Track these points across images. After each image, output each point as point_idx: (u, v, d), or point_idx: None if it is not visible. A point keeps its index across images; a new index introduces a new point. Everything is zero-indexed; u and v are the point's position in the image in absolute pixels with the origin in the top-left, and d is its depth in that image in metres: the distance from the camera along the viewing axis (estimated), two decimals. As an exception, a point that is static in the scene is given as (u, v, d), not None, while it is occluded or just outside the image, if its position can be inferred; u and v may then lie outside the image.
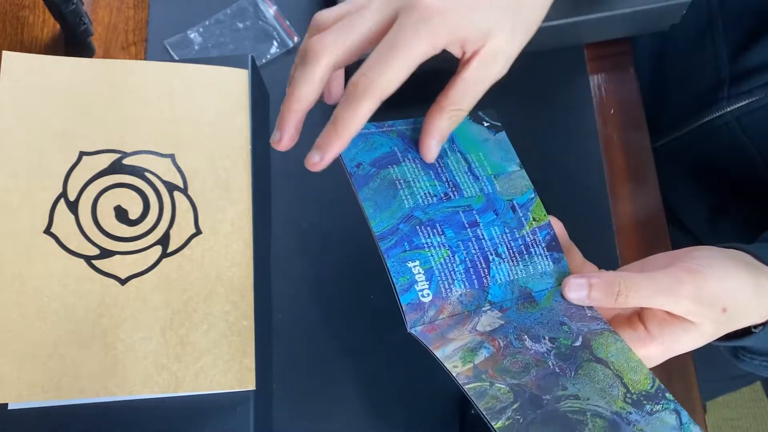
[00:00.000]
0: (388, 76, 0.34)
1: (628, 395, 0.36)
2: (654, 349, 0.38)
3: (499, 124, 0.45)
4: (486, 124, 0.44)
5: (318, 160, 0.36)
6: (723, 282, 0.37)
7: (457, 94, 0.36)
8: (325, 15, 0.37)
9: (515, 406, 0.34)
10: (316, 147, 0.36)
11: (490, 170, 0.43)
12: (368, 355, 0.52)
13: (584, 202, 0.57)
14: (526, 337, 0.37)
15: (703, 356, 0.55)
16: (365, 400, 0.51)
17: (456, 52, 0.36)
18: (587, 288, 0.37)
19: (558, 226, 0.42)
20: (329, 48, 0.35)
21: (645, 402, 0.35)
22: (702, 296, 0.36)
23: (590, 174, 0.58)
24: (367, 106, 0.34)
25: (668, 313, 0.37)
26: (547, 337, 0.37)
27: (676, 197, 0.64)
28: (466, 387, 0.34)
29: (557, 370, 0.36)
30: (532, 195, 0.42)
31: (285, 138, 0.37)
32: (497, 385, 0.35)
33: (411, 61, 0.34)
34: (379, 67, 0.34)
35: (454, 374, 0.35)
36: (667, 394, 0.36)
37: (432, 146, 0.38)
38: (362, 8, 0.35)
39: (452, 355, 0.35)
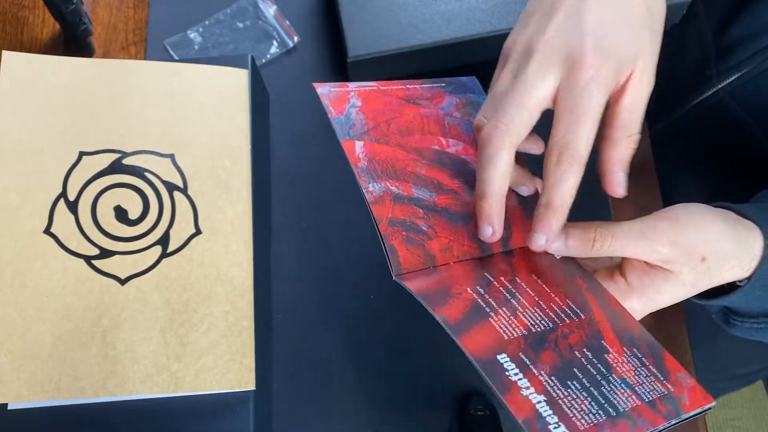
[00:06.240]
0: (584, 142, 0.35)
1: None
2: (636, 302, 0.38)
3: None
4: None
5: (544, 242, 0.37)
6: (700, 230, 0.37)
7: (625, 121, 0.37)
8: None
9: None
10: (537, 231, 0.37)
11: None
12: (368, 355, 0.52)
13: (584, 200, 0.57)
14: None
15: (703, 356, 0.55)
16: (365, 400, 0.51)
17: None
18: (563, 237, 0.37)
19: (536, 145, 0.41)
20: (506, 133, 0.36)
21: None
22: (679, 243, 0.37)
23: (589, 172, 0.58)
24: (575, 178, 0.36)
25: (647, 263, 0.37)
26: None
27: (677, 182, 0.63)
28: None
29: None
30: None
31: (497, 230, 0.38)
32: None
33: (597, 119, 0.36)
34: (575, 138, 0.35)
35: None
36: None
37: (622, 178, 0.39)
38: (523, 80, 0.36)
39: None
